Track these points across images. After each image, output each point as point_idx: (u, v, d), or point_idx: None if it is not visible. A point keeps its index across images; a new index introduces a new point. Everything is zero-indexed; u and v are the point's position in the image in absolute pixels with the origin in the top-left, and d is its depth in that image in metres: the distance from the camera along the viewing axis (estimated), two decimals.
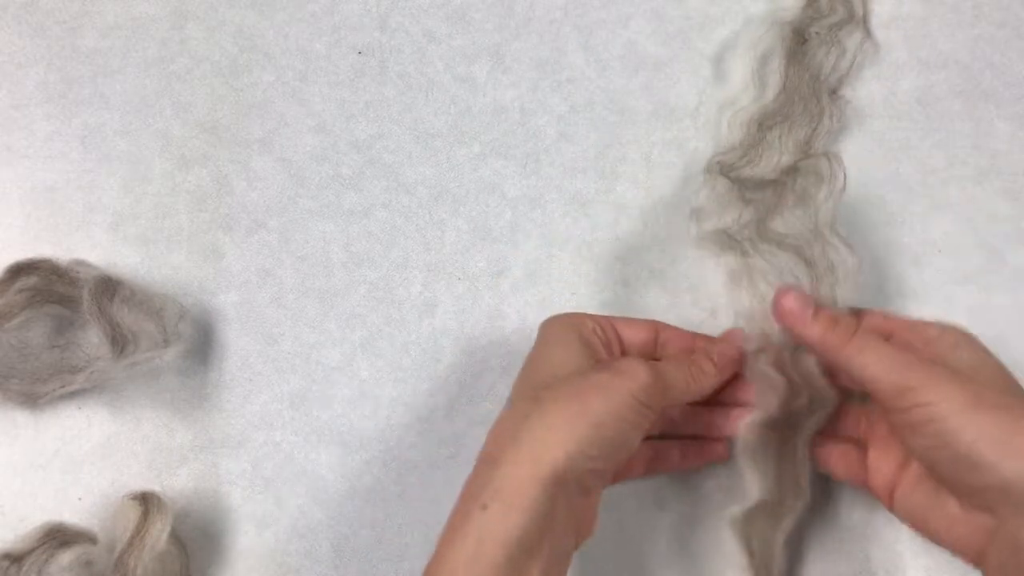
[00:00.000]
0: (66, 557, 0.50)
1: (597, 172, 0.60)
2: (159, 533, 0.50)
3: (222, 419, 0.56)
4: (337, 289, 0.58)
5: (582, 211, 0.59)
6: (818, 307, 0.48)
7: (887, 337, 0.49)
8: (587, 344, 0.49)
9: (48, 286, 0.55)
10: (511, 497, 0.42)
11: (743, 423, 0.50)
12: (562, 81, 0.62)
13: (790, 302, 0.48)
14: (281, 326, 0.57)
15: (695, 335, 0.53)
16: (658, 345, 0.52)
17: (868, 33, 0.61)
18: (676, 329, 0.52)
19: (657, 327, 0.52)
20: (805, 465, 0.50)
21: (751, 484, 0.50)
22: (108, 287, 0.54)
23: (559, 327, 0.50)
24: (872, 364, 0.46)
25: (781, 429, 0.50)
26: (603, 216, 0.59)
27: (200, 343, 0.57)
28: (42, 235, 0.58)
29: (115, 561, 0.49)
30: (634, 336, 0.51)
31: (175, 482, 0.55)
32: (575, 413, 0.44)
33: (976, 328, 0.56)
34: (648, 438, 0.49)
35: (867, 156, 0.60)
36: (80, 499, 0.54)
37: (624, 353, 0.51)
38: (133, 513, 0.51)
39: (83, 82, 0.61)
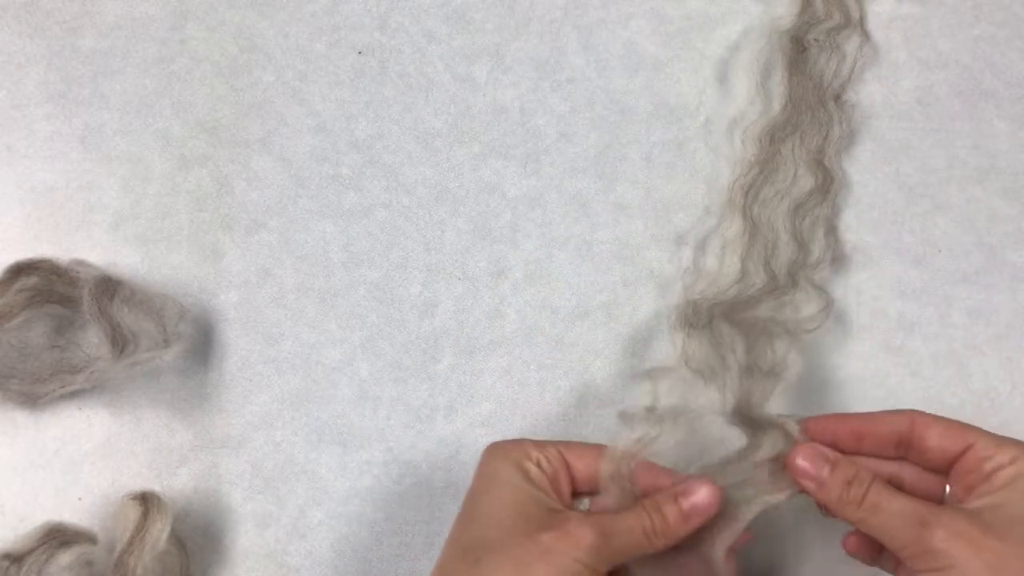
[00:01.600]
0: (66, 557, 0.50)
1: (597, 172, 0.60)
2: (159, 533, 0.50)
3: (222, 419, 0.56)
4: (337, 289, 0.58)
5: (582, 211, 0.59)
6: (834, 463, 0.44)
7: (955, 456, 0.44)
8: (532, 483, 0.44)
9: (48, 286, 0.55)
10: None
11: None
12: (562, 81, 0.62)
13: (803, 462, 0.44)
14: (281, 326, 0.57)
15: (661, 469, 0.46)
16: None
17: (866, 36, 0.61)
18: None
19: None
20: None
21: None
22: (108, 287, 0.54)
23: (501, 463, 0.45)
24: (886, 525, 0.42)
25: None
26: (603, 216, 0.59)
27: (200, 343, 0.57)
28: (42, 235, 0.58)
29: (115, 561, 0.49)
30: (585, 467, 0.46)
31: (175, 482, 0.55)
32: None
33: (976, 328, 0.57)
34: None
35: (867, 156, 0.60)
36: (80, 499, 0.54)
37: (575, 487, 0.46)
38: (133, 513, 0.51)
39: (83, 82, 0.61)
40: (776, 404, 0.54)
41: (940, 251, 0.58)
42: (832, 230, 0.58)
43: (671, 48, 0.62)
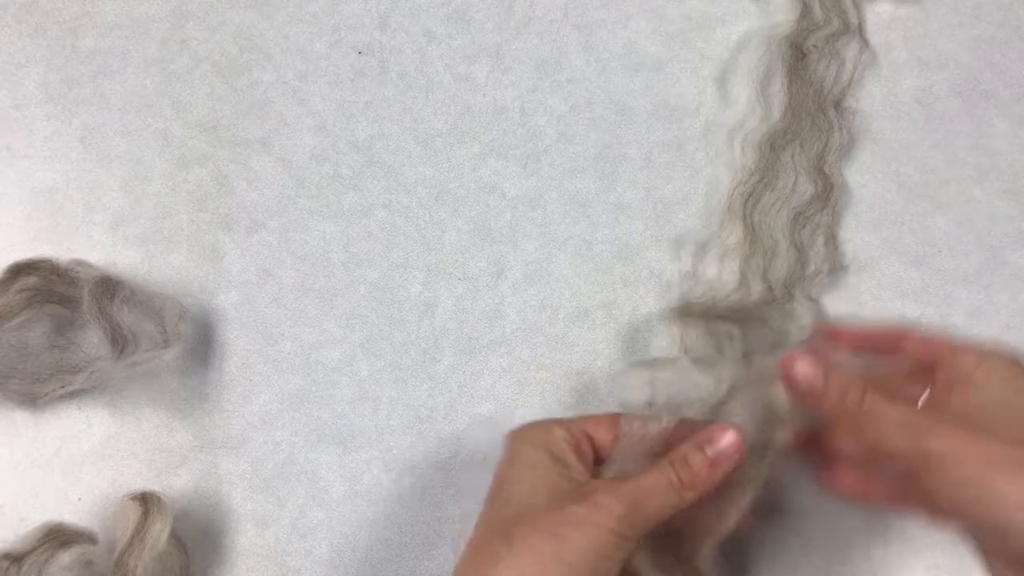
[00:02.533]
0: (66, 557, 0.50)
1: (597, 172, 0.60)
2: (159, 533, 0.50)
3: (222, 419, 0.56)
4: (337, 289, 0.58)
5: (582, 211, 0.59)
6: (828, 372, 0.44)
7: (925, 365, 0.45)
8: (559, 460, 0.45)
9: (48, 286, 0.55)
10: None
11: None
12: (562, 81, 0.62)
13: (802, 367, 0.44)
14: (281, 326, 0.57)
15: (684, 426, 0.47)
16: None
17: (865, 42, 0.61)
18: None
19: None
20: None
21: None
22: (108, 287, 0.54)
23: (528, 444, 0.46)
24: (885, 433, 0.43)
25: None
26: (603, 216, 0.59)
27: (200, 343, 0.57)
28: (42, 235, 0.58)
29: (115, 561, 0.49)
30: (605, 436, 0.47)
31: (175, 482, 0.55)
32: (550, 555, 0.41)
33: (976, 328, 0.57)
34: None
35: (867, 156, 0.60)
36: (80, 499, 0.54)
37: (597, 456, 0.46)
38: (133, 513, 0.51)
39: (83, 82, 0.61)
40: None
41: (940, 251, 0.58)
42: (832, 238, 0.58)
43: (671, 48, 0.62)
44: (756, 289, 0.55)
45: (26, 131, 0.60)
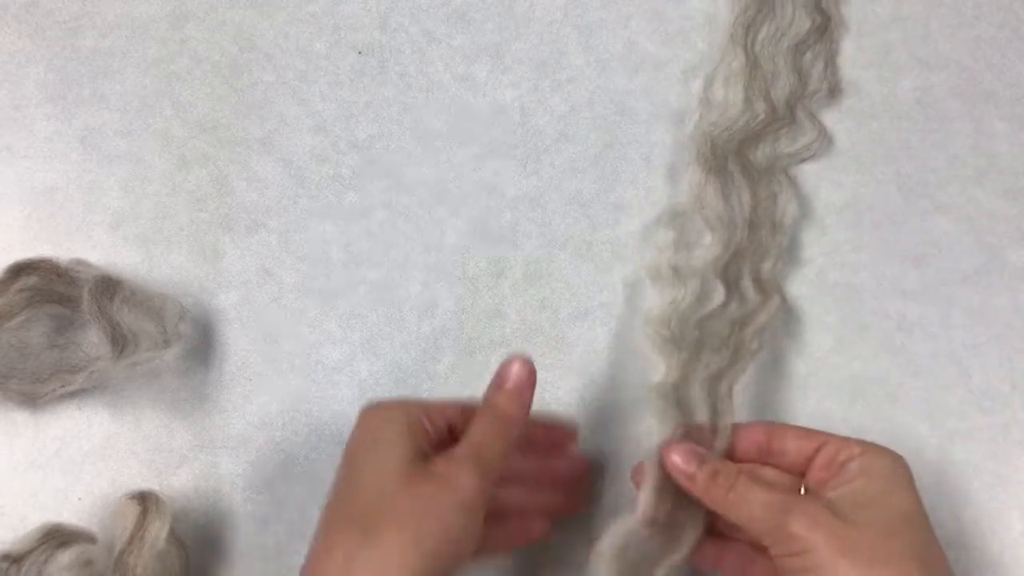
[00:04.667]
0: (66, 557, 0.50)
1: (597, 172, 0.60)
2: (158, 532, 0.50)
3: (222, 419, 0.56)
4: (337, 289, 0.58)
5: (582, 211, 0.59)
6: (702, 459, 0.47)
7: (810, 455, 0.47)
8: (408, 435, 0.45)
9: (48, 286, 0.55)
10: None
11: (607, 535, 0.47)
12: (562, 81, 0.62)
13: (675, 457, 0.47)
14: (281, 326, 0.57)
15: (544, 426, 0.51)
16: (468, 414, 0.48)
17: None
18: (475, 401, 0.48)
19: (464, 408, 0.48)
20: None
21: None
22: (108, 287, 0.54)
23: (378, 419, 0.46)
24: (749, 513, 0.45)
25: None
26: (603, 216, 0.59)
27: (200, 343, 0.57)
28: (42, 235, 0.58)
29: (115, 560, 0.49)
30: (457, 417, 0.47)
31: (175, 482, 0.55)
32: (409, 543, 0.41)
33: (976, 328, 0.57)
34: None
35: (867, 156, 0.60)
36: (80, 499, 0.54)
37: (452, 434, 0.47)
38: (132, 512, 0.51)
39: (83, 82, 0.61)
40: (777, 399, 0.55)
41: (940, 251, 0.58)
42: (831, 62, 0.61)
43: (671, 48, 0.62)
44: (760, 108, 0.60)
45: (26, 131, 0.60)
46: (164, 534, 0.50)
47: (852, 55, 0.62)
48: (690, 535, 0.48)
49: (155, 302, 0.55)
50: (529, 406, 0.47)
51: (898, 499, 0.44)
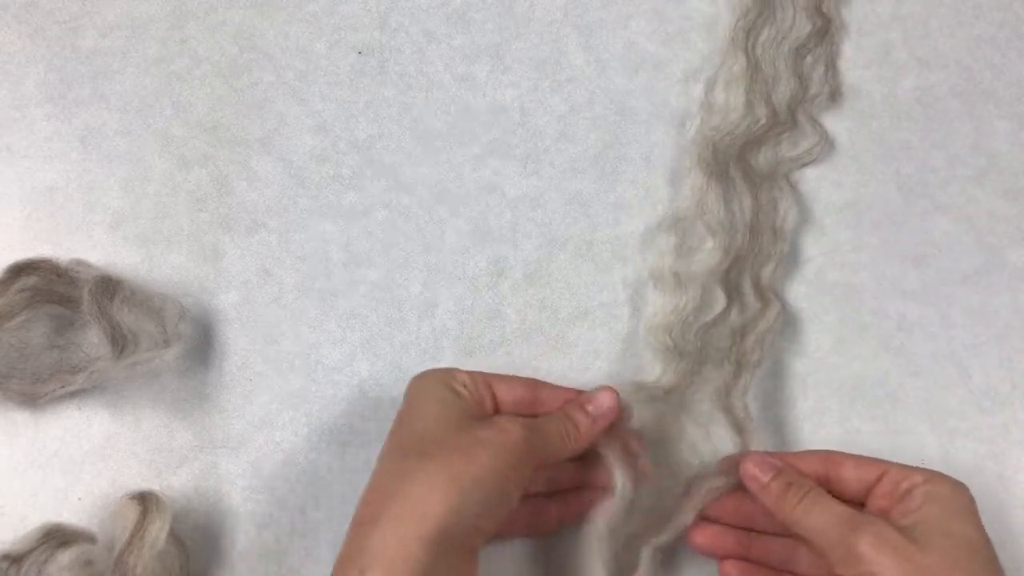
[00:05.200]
0: (66, 557, 0.50)
1: (597, 172, 0.60)
2: (158, 532, 0.50)
3: (222, 419, 0.56)
4: (337, 289, 0.58)
5: (582, 211, 0.59)
6: (778, 470, 0.48)
7: (871, 484, 0.47)
8: (461, 397, 0.48)
9: (48, 286, 0.55)
10: (392, 559, 0.41)
11: (598, 509, 0.49)
12: (562, 81, 0.62)
13: (751, 467, 0.48)
14: (281, 326, 0.57)
15: (576, 391, 0.51)
16: (537, 404, 0.50)
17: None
18: (555, 387, 0.51)
19: (535, 386, 0.50)
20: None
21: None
22: (108, 287, 0.54)
23: (430, 382, 0.48)
24: (819, 526, 0.45)
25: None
26: (603, 216, 0.59)
27: (200, 343, 0.57)
28: (42, 235, 0.58)
29: (115, 560, 0.49)
30: (508, 393, 0.49)
31: (175, 482, 0.55)
32: (459, 468, 0.43)
33: (976, 328, 0.57)
34: (526, 496, 0.47)
35: (867, 156, 0.60)
36: (80, 499, 0.54)
37: (497, 411, 0.49)
38: (132, 512, 0.51)
39: (83, 82, 0.61)
40: (777, 399, 0.54)
41: (940, 251, 0.58)
42: (831, 66, 0.61)
43: (671, 48, 0.62)
44: (761, 112, 0.59)
45: (26, 131, 0.60)
46: (164, 534, 0.50)
47: (852, 55, 0.62)
48: (679, 520, 0.49)
49: (155, 302, 0.55)
50: (595, 437, 0.49)
51: (965, 528, 0.44)
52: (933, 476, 0.46)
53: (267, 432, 0.56)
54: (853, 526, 0.44)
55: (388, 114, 0.61)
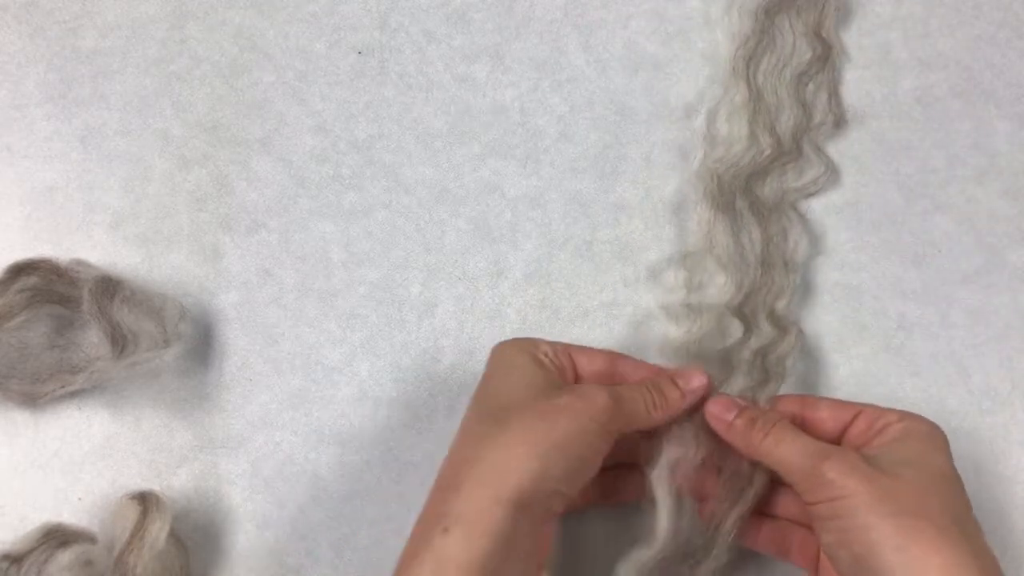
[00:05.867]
0: (66, 557, 0.50)
1: (597, 172, 0.60)
2: (158, 532, 0.50)
3: (222, 419, 0.56)
4: (337, 289, 0.58)
5: (582, 211, 0.59)
6: (742, 409, 0.48)
7: (846, 423, 0.48)
8: (543, 367, 0.48)
9: (48, 286, 0.55)
10: (474, 520, 0.41)
11: (664, 457, 0.49)
12: (562, 81, 0.62)
13: (713, 408, 0.49)
14: (281, 326, 0.57)
15: (656, 367, 0.51)
16: (616, 376, 0.50)
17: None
18: (635, 361, 0.51)
19: (615, 358, 0.50)
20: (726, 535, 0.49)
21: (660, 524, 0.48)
22: (108, 287, 0.54)
23: (512, 351, 0.49)
24: (786, 457, 0.46)
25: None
26: (603, 216, 0.59)
27: (200, 343, 0.57)
28: (42, 235, 0.58)
29: (115, 560, 0.49)
30: (589, 365, 0.50)
31: (175, 482, 0.55)
32: (540, 433, 0.43)
33: (976, 328, 0.57)
34: (605, 467, 0.47)
35: (867, 156, 0.60)
36: (80, 499, 0.54)
37: (578, 381, 0.49)
38: (132, 512, 0.51)
39: (83, 82, 0.61)
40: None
41: (940, 251, 0.58)
42: (834, 93, 0.60)
43: (671, 48, 0.62)
44: (766, 143, 0.58)
45: (26, 131, 0.60)
46: (164, 534, 0.50)
47: (852, 55, 0.62)
48: (713, 559, 0.48)
49: (155, 302, 0.55)
50: (680, 413, 0.49)
51: (936, 462, 0.45)
52: (908, 415, 0.46)
53: (267, 432, 0.56)
54: (821, 455, 0.44)
55: (388, 114, 0.61)
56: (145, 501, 0.51)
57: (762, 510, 0.50)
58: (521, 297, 0.58)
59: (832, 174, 0.59)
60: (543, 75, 0.62)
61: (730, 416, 0.48)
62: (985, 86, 0.61)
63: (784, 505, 0.50)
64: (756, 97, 0.59)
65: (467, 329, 0.57)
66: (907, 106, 0.61)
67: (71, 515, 0.54)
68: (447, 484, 0.44)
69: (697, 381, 0.49)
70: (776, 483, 0.49)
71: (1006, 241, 0.58)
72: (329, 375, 0.57)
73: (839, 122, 0.60)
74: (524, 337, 0.50)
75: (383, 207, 0.60)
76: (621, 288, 0.58)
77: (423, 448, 0.56)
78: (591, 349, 0.50)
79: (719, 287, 0.55)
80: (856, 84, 0.61)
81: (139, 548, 0.49)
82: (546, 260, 0.59)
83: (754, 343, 0.53)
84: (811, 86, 0.60)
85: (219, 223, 0.59)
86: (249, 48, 0.62)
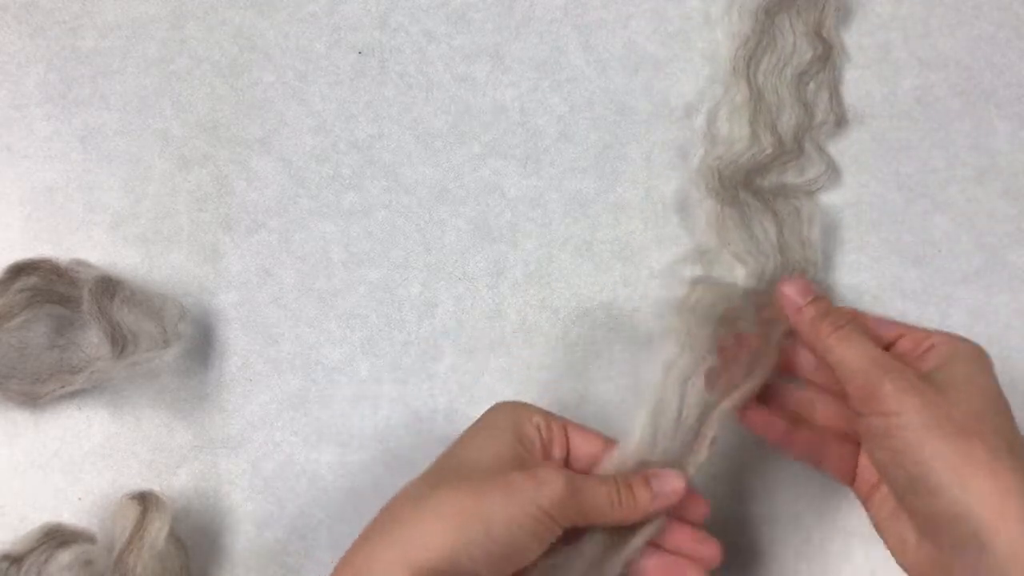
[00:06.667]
0: (65, 557, 0.50)
1: (597, 172, 0.60)
2: (158, 532, 0.50)
3: (222, 419, 0.56)
4: (337, 289, 0.58)
5: (582, 211, 0.59)
6: (818, 297, 0.48)
7: (890, 342, 0.47)
8: (521, 439, 0.45)
9: (48, 286, 0.55)
10: None
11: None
12: (562, 81, 0.62)
13: (788, 288, 0.48)
14: (281, 326, 0.57)
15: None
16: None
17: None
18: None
19: (612, 445, 0.47)
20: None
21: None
22: (108, 287, 0.54)
23: (501, 414, 0.47)
24: (849, 359, 0.45)
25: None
26: (603, 216, 0.59)
27: (200, 343, 0.57)
28: (42, 235, 0.58)
29: (115, 560, 0.49)
30: (584, 445, 0.47)
31: (175, 482, 0.55)
32: (468, 508, 0.41)
33: (976, 328, 0.57)
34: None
35: (867, 156, 0.60)
36: (80, 499, 0.54)
37: (569, 460, 0.47)
38: (132, 512, 0.51)
39: (83, 82, 0.61)
40: None
41: (940, 251, 0.58)
42: (835, 93, 0.60)
43: (671, 48, 0.62)
44: (767, 142, 0.58)
45: (26, 131, 0.60)
46: (164, 534, 0.50)
47: (852, 55, 0.62)
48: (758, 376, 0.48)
49: (155, 302, 0.55)
50: (649, 516, 0.45)
51: (986, 383, 0.44)
52: (954, 337, 0.46)
53: (267, 432, 0.56)
54: (883, 367, 0.44)
55: (388, 114, 0.61)
56: (145, 501, 0.51)
57: (802, 416, 0.49)
58: (521, 297, 0.58)
59: (833, 173, 0.59)
60: (543, 75, 0.62)
61: (803, 301, 0.47)
62: (985, 86, 0.61)
63: (825, 414, 0.49)
64: (757, 96, 0.59)
65: (467, 329, 0.57)
66: (907, 106, 0.61)
67: (71, 515, 0.54)
68: (366, 535, 0.42)
69: (671, 485, 0.45)
70: (819, 390, 0.49)
71: (1006, 241, 0.58)
72: (329, 375, 0.57)
73: (840, 121, 0.60)
74: (523, 403, 0.48)
75: (383, 207, 0.60)
76: (621, 288, 0.58)
77: (423, 448, 0.56)
78: (591, 432, 0.48)
79: (740, 279, 0.55)
80: (856, 84, 0.61)
81: (139, 548, 0.49)
82: (546, 260, 0.59)
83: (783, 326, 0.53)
84: (812, 85, 0.60)
85: (219, 223, 0.59)
86: (249, 48, 0.62)
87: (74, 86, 0.61)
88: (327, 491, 0.55)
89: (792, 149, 0.59)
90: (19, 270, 0.55)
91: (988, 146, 0.60)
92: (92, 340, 0.55)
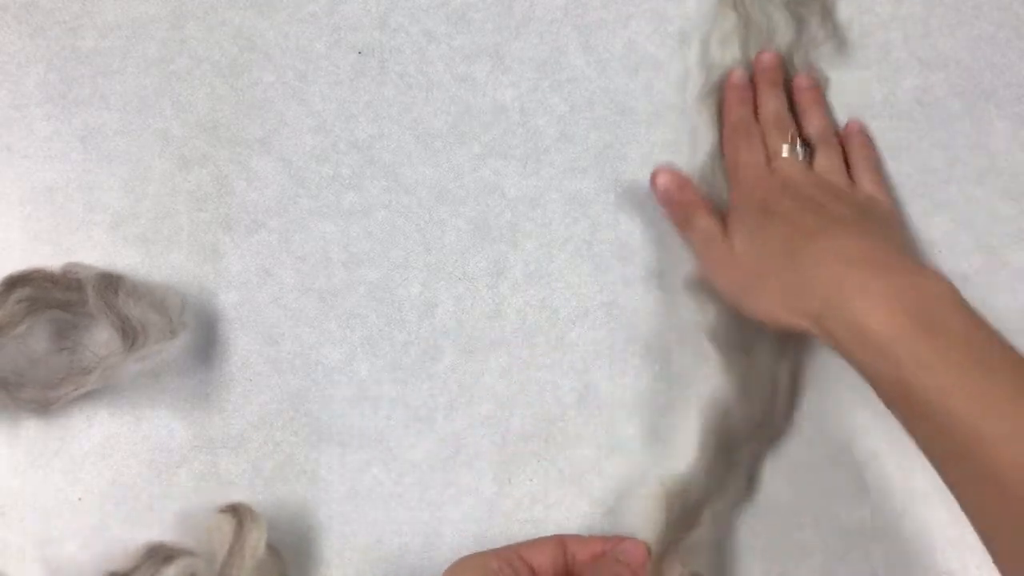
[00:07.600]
0: (171, 571, 0.50)
1: (597, 172, 0.60)
2: (257, 542, 0.50)
3: (222, 419, 0.56)
4: (337, 289, 0.58)
5: (582, 211, 0.59)
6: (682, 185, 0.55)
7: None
8: None
9: (44, 294, 0.54)
10: None
11: None
12: (562, 81, 0.62)
13: (661, 179, 0.55)
14: (281, 326, 0.57)
15: (603, 539, 0.51)
16: (567, 557, 0.50)
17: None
18: (581, 538, 0.51)
19: (563, 541, 0.50)
20: None
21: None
22: (111, 282, 0.54)
23: (461, 568, 0.48)
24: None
25: None
26: (603, 216, 0.59)
27: (200, 343, 0.57)
28: (42, 235, 0.58)
29: (218, 572, 0.50)
30: (541, 558, 0.49)
31: (175, 482, 0.55)
32: None
33: None
34: None
35: None
36: (80, 499, 0.54)
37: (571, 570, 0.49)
38: (227, 525, 0.51)
39: (83, 82, 0.61)
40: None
41: (940, 251, 0.58)
42: (828, 14, 0.61)
43: (671, 48, 0.62)
44: None
45: (26, 131, 0.60)
46: (263, 543, 0.50)
47: (852, 55, 0.62)
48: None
49: (157, 294, 0.55)
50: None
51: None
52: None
53: (267, 432, 0.56)
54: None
55: (388, 114, 0.61)
56: (239, 514, 0.51)
57: None
58: (521, 297, 0.58)
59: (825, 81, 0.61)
60: (543, 75, 0.62)
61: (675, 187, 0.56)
62: (985, 86, 0.61)
63: None
64: (745, 21, 0.61)
65: (467, 329, 0.57)
66: (907, 106, 0.61)
67: (71, 515, 0.54)
68: None
69: (635, 555, 0.50)
70: None
71: (1006, 241, 0.58)
72: (329, 375, 0.57)
73: (841, 44, 0.61)
74: (475, 556, 0.49)
75: (383, 207, 0.60)
76: (621, 288, 0.58)
77: (423, 448, 0.56)
78: (539, 541, 0.50)
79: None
80: (856, 84, 0.61)
81: (240, 559, 0.50)
82: (546, 260, 0.59)
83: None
84: (803, 10, 0.61)
85: (219, 223, 0.59)
86: (249, 48, 0.62)
87: (74, 86, 0.61)
88: (327, 491, 0.55)
89: (787, 68, 0.60)
90: (13, 283, 0.54)
91: (988, 146, 0.60)
92: (99, 339, 0.55)
